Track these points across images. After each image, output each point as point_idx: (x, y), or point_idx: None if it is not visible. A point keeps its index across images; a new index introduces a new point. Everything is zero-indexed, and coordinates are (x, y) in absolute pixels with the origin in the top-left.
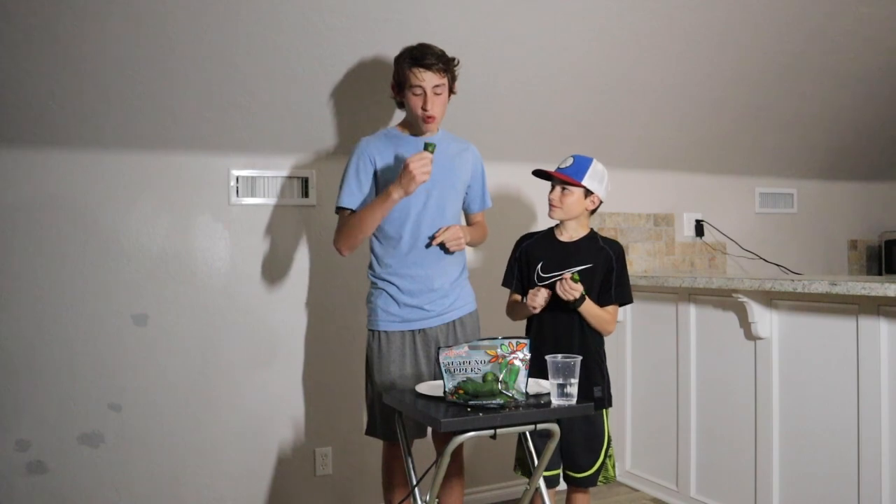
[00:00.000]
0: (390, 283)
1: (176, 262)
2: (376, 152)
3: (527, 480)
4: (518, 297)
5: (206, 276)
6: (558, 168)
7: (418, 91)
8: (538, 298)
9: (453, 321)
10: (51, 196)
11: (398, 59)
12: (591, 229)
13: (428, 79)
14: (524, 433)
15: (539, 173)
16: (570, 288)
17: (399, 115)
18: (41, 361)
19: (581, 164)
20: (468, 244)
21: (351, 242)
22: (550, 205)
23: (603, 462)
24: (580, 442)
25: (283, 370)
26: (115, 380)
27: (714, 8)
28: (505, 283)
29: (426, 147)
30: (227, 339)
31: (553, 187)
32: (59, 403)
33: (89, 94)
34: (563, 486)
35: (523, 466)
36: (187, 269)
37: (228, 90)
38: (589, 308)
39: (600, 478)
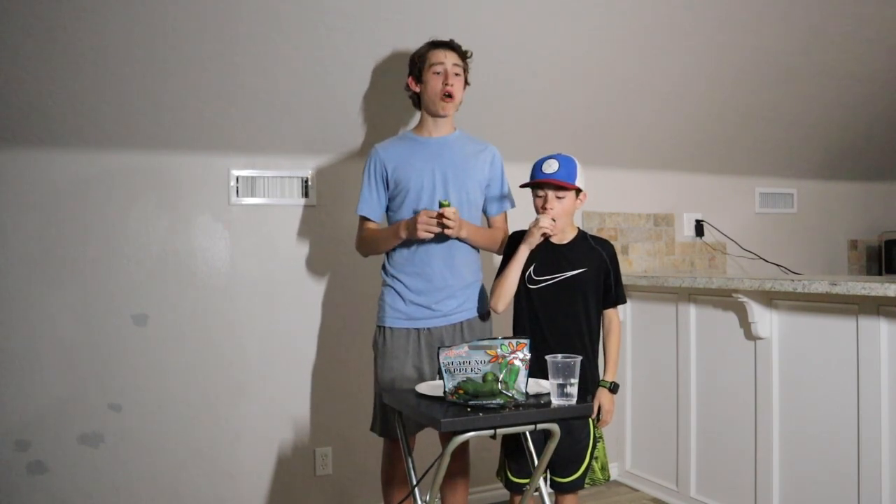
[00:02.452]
0: (398, 280)
1: (176, 262)
2: (388, 157)
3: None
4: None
5: (206, 276)
6: (546, 174)
7: (439, 69)
8: (544, 221)
9: (460, 322)
10: (51, 196)
11: (414, 52)
12: (580, 229)
13: (449, 56)
14: (524, 434)
15: (531, 184)
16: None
17: (404, 119)
18: (41, 361)
19: (569, 165)
20: (471, 242)
21: (369, 254)
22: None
23: (589, 464)
24: (560, 450)
25: (283, 370)
26: (115, 380)
27: (715, 8)
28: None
29: (441, 204)
30: (226, 339)
31: (543, 197)
32: (59, 403)
33: (89, 93)
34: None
35: (504, 472)
36: (187, 269)
37: (228, 90)
38: (615, 371)
39: (587, 480)
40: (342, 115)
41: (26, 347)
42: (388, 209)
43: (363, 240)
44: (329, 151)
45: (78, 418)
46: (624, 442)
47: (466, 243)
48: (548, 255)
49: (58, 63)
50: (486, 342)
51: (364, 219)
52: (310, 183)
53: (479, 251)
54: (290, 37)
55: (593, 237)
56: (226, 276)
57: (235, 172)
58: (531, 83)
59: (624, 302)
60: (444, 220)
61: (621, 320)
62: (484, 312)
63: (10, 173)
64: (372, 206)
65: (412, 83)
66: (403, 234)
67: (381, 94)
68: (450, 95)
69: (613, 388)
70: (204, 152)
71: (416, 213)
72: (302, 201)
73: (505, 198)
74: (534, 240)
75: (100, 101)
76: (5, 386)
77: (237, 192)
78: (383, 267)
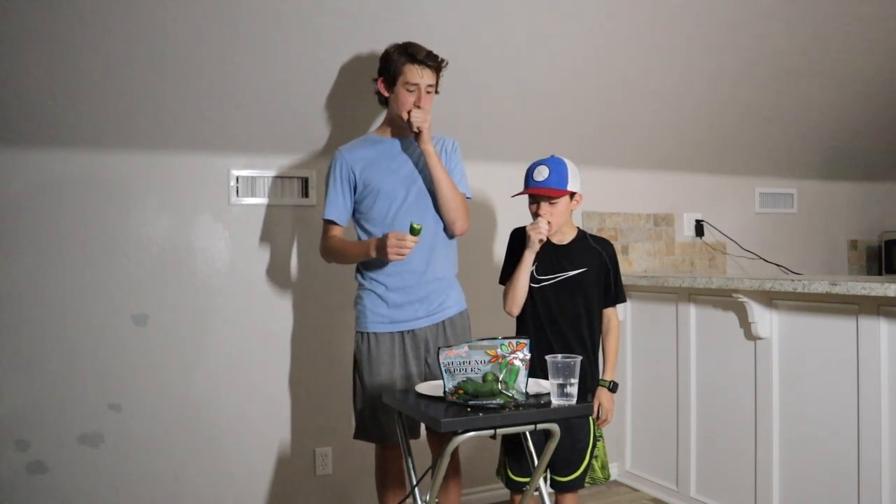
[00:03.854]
0: (377, 282)
1: (176, 262)
2: (354, 160)
3: (502, 486)
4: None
5: (206, 276)
6: (536, 182)
7: (412, 88)
8: (541, 224)
9: (443, 321)
10: (51, 196)
11: (389, 54)
12: (579, 229)
13: (425, 76)
14: (523, 434)
15: (523, 193)
16: (537, 223)
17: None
18: (41, 361)
19: (559, 171)
20: (441, 188)
21: (334, 262)
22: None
23: (589, 463)
24: (560, 450)
25: (283, 370)
26: (115, 380)
27: (715, 8)
28: (503, 281)
29: (412, 230)
30: (227, 339)
31: (537, 203)
32: (59, 403)
33: (89, 94)
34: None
35: (503, 471)
36: (187, 270)
37: (228, 90)
38: (614, 370)
39: (587, 479)
40: (342, 114)
41: (26, 347)
42: (355, 211)
43: (329, 249)
44: (329, 151)
45: (78, 418)
46: (624, 442)
47: (433, 178)
48: (549, 255)
49: (58, 63)
50: (486, 342)
51: (330, 223)
52: (310, 183)
53: (456, 245)
54: (289, 37)
55: (593, 236)
56: (226, 276)
57: (235, 172)
58: (531, 84)
59: (623, 301)
60: (414, 118)
61: (621, 320)
62: (463, 310)
63: (10, 173)
64: (339, 210)
65: (382, 86)
66: (373, 254)
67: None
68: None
69: (613, 388)
70: (204, 152)
71: (380, 237)
72: (302, 201)
73: (461, 182)
74: (533, 245)
75: (100, 101)
76: (5, 386)
77: (237, 192)
78: (358, 270)
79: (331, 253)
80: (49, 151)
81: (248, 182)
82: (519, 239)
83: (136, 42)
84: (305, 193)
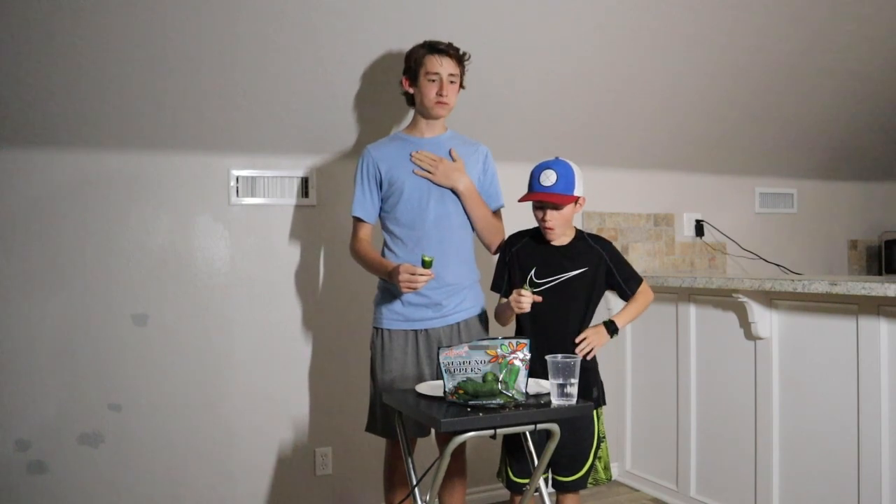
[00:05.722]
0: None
1: (176, 262)
2: (381, 158)
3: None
4: (505, 300)
5: (206, 276)
6: (544, 188)
7: (434, 77)
8: (524, 302)
9: (458, 323)
10: (51, 196)
11: (411, 51)
12: (577, 229)
13: (445, 64)
14: (524, 434)
15: (529, 198)
16: (520, 297)
17: (403, 118)
18: (41, 361)
19: (567, 176)
20: (469, 203)
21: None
22: (546, 228)
23: (592, 464)
24: (564, 449)
25: (283, 370)
26: (115, 380)
27: (715, 8)
28: (494, 287)
29: (424, 262)
30: (226, 339)
31: (543, 210)
32: (59, 403)
33: (89, 94)
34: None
35: (504, 472)
36: (187, 269)
37: (228, 90)
38: (624, 320)
39: (590, 479)
40: (342, 114)
41: (26, 347)
42: (381, 209)
43: (356, 251)
44: (329, 151)
45: (78, 418)
46: (624, 442)
47: (463, 206)
48: (549, 257)
49: (58, 63)
50: (486, 342)
51: (359, 220)
52: (310, 183)
53: (473, 249)
54: (290, 37)
55: (591, 236)
56: (225, 276)
57: (235, 172)
58: (531, 83)
59: (640, 281)
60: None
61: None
62: (481, 312)
63: (10, 173)
64: (366, 208)
65: (406, 83)
66: (387, 279)
67: (381, 94)
68: (445, 103)
69: (612, 328)
70: (204, 152)
71: (395, 266)
72: (302, 201)
73: (497, 195)
74: (515, 312)
75: (100, 101)
76: (5, 386)
77: (237, 192)
78: None
79: (357, 257)
80: (49, 151)
81: (248, 182)
82: (514, 254)
83: (136, 42)
84: (305, 193)
